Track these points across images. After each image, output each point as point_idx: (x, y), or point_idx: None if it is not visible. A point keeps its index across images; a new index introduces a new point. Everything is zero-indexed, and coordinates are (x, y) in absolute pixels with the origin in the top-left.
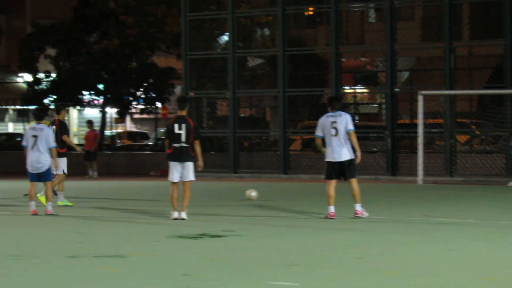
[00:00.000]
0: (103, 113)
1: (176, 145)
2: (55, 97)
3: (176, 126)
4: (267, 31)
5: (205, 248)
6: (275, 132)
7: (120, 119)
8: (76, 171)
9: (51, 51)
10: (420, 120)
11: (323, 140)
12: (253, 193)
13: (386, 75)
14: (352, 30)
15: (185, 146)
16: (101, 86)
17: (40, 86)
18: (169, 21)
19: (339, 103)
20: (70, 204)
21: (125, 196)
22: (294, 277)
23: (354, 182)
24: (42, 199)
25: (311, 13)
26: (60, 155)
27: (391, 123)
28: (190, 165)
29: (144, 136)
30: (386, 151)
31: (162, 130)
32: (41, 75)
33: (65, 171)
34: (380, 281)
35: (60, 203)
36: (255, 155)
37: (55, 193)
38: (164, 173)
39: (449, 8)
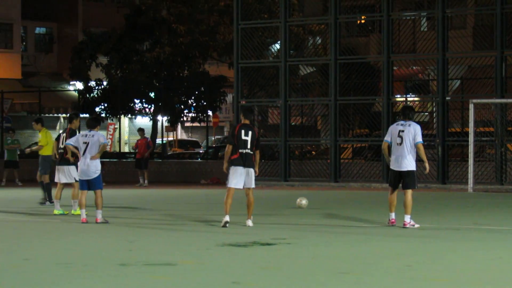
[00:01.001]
0: (154, 121)
1: (242, 150)
2: (106, 105)
3: (243, 132)
4: (319, 40)
5: (255, 256)
6: (326, 140)
7: (171, 127)
8: (126, 179)
9: (103, 59)
10: (471, 129)
11: (390, 146)
12: (304, 201)
13: (437, 84)
14: (403, 39)
15: (250, 153)
16: (152, 94)
17: (92, 94)
18: (221, 30)
19: (411, 113)
20: (66, 212)
21: (176, 204)
22: (343, 285)
23: (408, 193)
24: (75, 212)
25: (363, 21)
26: (70, 163)
27: (442, 132)
28: (253, 172)
29: (195, 144)
30: (437, 159)
31: (213, 138)
32: (92, 83)
33: (77, 178)
34: None
35: (56, 212)
36: (305, 163)
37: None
38: (214, 181)
39: (501, 17)
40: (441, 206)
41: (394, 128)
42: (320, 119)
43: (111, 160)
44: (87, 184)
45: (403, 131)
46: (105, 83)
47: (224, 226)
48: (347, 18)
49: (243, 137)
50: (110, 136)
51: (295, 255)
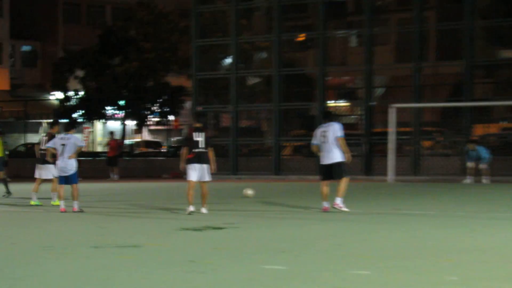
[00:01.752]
0: (124, 125)
1: (196, 150)
2: (83, 111)
3: (195, 134)
4: (264, 55)
5: (208, 238)
6: (270, 140)
7: (138, 130)
8: (99, 174)
9: (80, 73)
10: (391, 129)
11: (318, 147)
12: (250, 192)
13: (364, 91)
14: (336, 53)
15: (203, 151)
16: (122, 102)
17: (70, 103)
18: (181, 47)
19: (330, 116)
20: (40, 203)
21: (142, 195)
22: (283, 262)
23: (342, 181)
24: (55, 203)
25: (302, 39)
26: (50, 162)
27: (368, 131)
28: (207, 167)
29: (158, 144)
30: (363, 155)
31: (173, 139)
32: (70, 93)
33: (55, 175)
34: (356, 263)
35: (32, 202)
36: (252, 160)
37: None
38: (174, 176)
39: (418, 35)
40: (365, 194)
41: (317, 131)
42: (264, 122)
43: (87, 158)
44: (65, 179)
45: (325, 131)
46: (81, 93)
47: (190, 214)
48: (289, 36)
49: (196, 138)
50: (86, 138)
51: (242, 237)
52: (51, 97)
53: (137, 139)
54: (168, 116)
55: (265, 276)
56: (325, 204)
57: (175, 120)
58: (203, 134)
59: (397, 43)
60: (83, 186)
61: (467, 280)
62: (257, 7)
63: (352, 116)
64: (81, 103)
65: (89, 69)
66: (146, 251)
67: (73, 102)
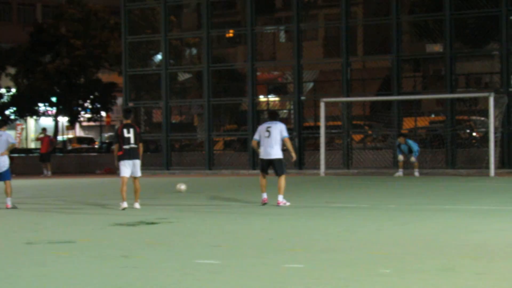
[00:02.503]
0: (56, 121)
1: (126, 146)
2: (15, 108)
3: (125, 131)
4: (194, 51)
5: (141, 233)
6: (202, 135)
7: (71, 126)
8: (32, 171)
9: (11, 70)
10: (322, 123)
11: (258, 143)
12: (183, 186)
13: (294, 86)
14: (265, 49)
15: (134, 147)
16: (54, 99)
17: (2, 100)
18: (112, 43)
19: (275, 116)
20: None
21: (75, 191)
22: (217, 256)
23: (282, 178)
24: None
25: (231, 35)
26: None
27: (298, 126)
28: (139, 162)
29: (91, 140)
30: (294, 149)
31: (106, 135)
32: (2, 91)
33: None
34: (289, 257)
35: None
36: (184, 155)
37: None
38: (107, 171)
39: (346, 30)
40: (298, 188)
41: (262, 127)
42: (196, 117)
43: (20, 155)
44: None
45: (270, 127)
46: (13, 90)
47: (123, 210)
48: (218, 32)
49: (126, 135)
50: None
51: (176, 231)
52: None
53: (70, 135)
54: (100, 112)
55: (199, 270)
56: (265, 196)
57: (107, 116)
58: (132, 130)
59: (325, 38)
60: (16, 183)
61: (400, 272)
62: (186, 4)
63: (283, 111)
64: (13, 100)
65: (21, 67)
66: (80, 246)
67: (5, 99)
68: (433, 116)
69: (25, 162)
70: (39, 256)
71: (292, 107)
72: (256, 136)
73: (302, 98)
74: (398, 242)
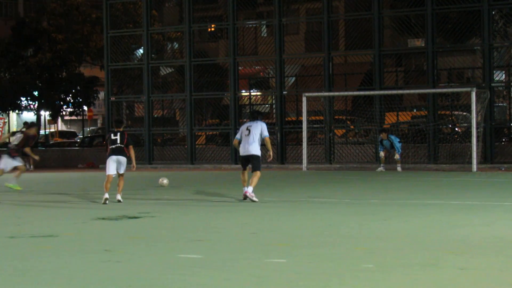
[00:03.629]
0: (38, 115)
1: (113, 146)
2: None
3: (112, 134)
4: (176, 45)
5: (124, 227)
6: (184, 129)
7: (53, 120)
8: None
9: None
10: (304, 117)
11: (240, 142)
12: (165, 181)
13: (276, 80)
14: (247, 43)
15: (120, 146)
16: (36, 93)
17: None
18: (94, 37)
19: (257, 115)
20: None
21: (58, 185)
22: (199, 250)
23: (257, 173)
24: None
25: (213, 29)
26: None
27: (280, 120)
28: (125, 160)
29: (74, 134)
30: (276, 143)
31: (88, 129)
32: None
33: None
34: (271, 252)
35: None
36: (167, 149)
37: None
38: (90, 166)
39: (328, 24)
40: (280, 183)
41: (243, 126)
42: (178, 111)
43: (1, 149)
44: None
45: (251, 126)
46: None
47: (105, 203)
48: (200, 26)
49: (113, 137)
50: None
51: (158, 226)
52: None
53: (52, 129)
54: (82, 106)
55: (181, 264)
56: (245, 189)
57: (89, 110)
58: (119, 133)
59: (307, 33)
60: None
61: (383, 267)
62: None
63: (265, 105)
64: None
65: (2, 60)
66: (63, 240)
67: None
68: (415, 111)
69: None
70: (22, 250)
71: (274, 101)
72: (238, 136)
73: (284, 92)
74: (380, 237)
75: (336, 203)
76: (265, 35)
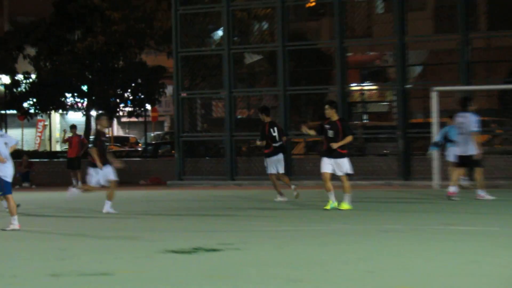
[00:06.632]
0: (88, 117)
1: (275, 144)
2: (35, 100)
3: (271, 130)
4: (265, 25)
5: (200, 263)
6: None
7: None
8: (58, 180)
9: (31, 51)
10: (434, 119)
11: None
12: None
13: (396, 71)
14: (358, 22)
15: (281, 144)
16: (85, 88)
17: (19, 89)
18: (159, 16)
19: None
20: None
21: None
22: None
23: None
24: None
25: (313, 4)
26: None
27: (403, 123)
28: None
29: (134, 141)
30: (398, 153)
31: (152, 134)
32: (20, 77)
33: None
34: None
35: None
36: (254, 161)
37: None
38: (154, 181)
39: None
40: (404, 205)
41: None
42: None
43: (42, 160)
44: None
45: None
46: (33, 76)
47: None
48: (295, 0)
49: (273, 134)
50: (39, 134)
51: (244, 261)
52: None
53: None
54: (145, 105)
55: None
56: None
57: (153, 110)
58: (276, 128)
59: (437, 9)
60: (36, 196)
61: None
62: None
63: (382, 103)
64: (33, 89)
65: (43, 46)
66: (120, 280)
67: (22, 88)
68: None
69: (48, 169)
70: None
71: (394, 98)
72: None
73: (408, 86)
74: None
75: (481, 232)
76: (382, 11)
